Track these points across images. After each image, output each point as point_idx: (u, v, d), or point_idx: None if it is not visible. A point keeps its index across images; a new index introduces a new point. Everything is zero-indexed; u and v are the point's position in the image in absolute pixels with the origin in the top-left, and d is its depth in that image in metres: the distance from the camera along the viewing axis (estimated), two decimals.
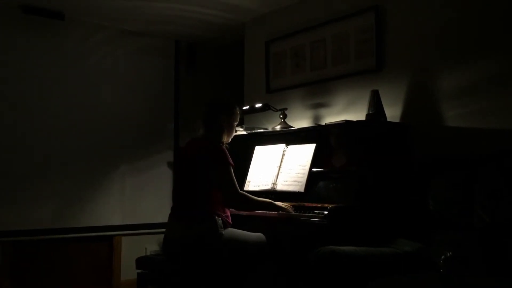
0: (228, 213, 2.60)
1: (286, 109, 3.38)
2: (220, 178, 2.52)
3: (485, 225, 2.15)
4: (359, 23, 3.17)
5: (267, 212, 2.66)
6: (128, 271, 4.01)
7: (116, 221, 4.11)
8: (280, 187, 2.88)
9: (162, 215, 3.78)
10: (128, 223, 4.17)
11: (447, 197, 2.33)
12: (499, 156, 2.31)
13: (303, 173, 2.78)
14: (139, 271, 2.69)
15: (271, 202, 2.63)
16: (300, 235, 2.62)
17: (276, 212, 2.63)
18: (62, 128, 3.89)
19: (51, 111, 3.85)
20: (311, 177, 2.76)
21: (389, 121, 2.81)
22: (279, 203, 2.64)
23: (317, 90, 3.46)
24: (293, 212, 2.58)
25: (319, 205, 2.55)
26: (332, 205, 2.43)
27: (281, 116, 3.35)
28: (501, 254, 2.05)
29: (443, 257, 2.07)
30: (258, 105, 3.43)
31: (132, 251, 4.04)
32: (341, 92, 3.30)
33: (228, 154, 2.56)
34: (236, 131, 2.86)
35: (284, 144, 3.03)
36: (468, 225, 2.21)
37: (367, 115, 2.77)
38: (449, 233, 2.25)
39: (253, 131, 3.40)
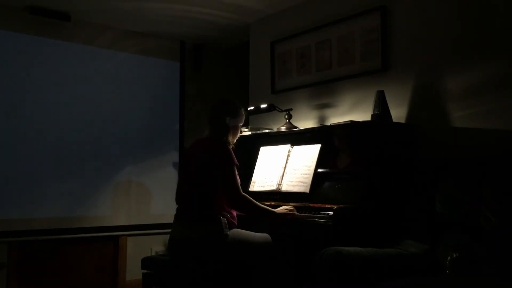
0: (234, 214, 2.60)
1: (291, 109, 3.37)
2: (224, 179, 2.51)
3: (492, 227, 2.14)
4: (364, 24, 3.17)
5: None
6: (133, 271, 4.03)
7: (122, 221, 4.12)
8: (285, 187, 2.88)
9: (167, 215, 3.79)
10: (133, 223, 4.18)
11: (454, 199, 2.31)
12: (506, 158, 2.29)
13: (308, 174, 2.78)
14: (144, 271, 2.69)
15: (272, 211, 2.58)
16: (306, 235, 2.61)
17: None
18: (67, 129, 3.91)
19: (56, 112, 3.87)
20: (317, 178, 2.76)
21: (394, 122, 2.80)
22: (280, 210, 2.61)
23: (323, 91, 3.45)
24: (298, 216, 2.57)
25: (325, 205, 2.55)
26: (338, 206, 2.42)
27: (286, 117, 3.34)
28: (508, 256, 2.03)
29: (449, 258, 2.06)
30: (263, 106, 3.43)
31: (137, 251, 4.05)
32: (347, 92, 3.29)
33: (233, 155, 2.56)
34: (241, 131, 2.86)
35: (289, 145, 3.03)
36: (475, 227, 2.20)
37: (372, 116, 2.76)
38: (455, 235, 2.23)
39: (258, 132, 3.40)
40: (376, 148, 2.61)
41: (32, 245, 3.72)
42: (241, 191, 2.54)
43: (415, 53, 2.91)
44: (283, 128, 3.28)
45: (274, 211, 2.60)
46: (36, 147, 3.76)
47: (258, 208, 2.57)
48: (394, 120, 2.79)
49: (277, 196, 2.85)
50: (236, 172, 2.54)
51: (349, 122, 2.75)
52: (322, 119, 3.43)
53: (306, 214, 2.56)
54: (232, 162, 2.53)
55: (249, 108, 3.55)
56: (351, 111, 3.23)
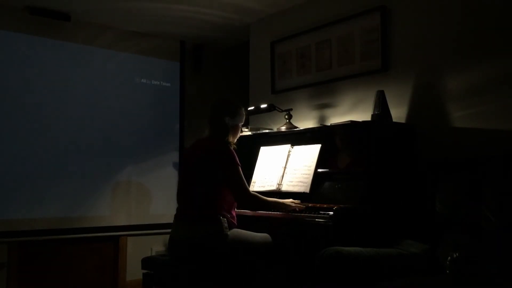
0: (234, 214, 2.60)
1: (291, 109, 3.37)
2: (230, 179, 2.52)
3: (492, 227, 2.14)
4: (364, 24, 3.17)
5: (273, 212, 2.66)
6: (133, 271, 4.03)
7: (122, 221, 4.12)
8: (285, 187, 2.88)
9: (167, 215, 3.80)
10: (133, 223, 4.18)
11: (454, 198, 2.31)
12: (506, 158, 2.29)
13: (309, 174, 2.78)
14: (144, 271, 2.69)
15: (281, 202, 2.64)
16: (306, 235, 2.61)
17: (281, 213, 2.63)
18: (66, 129, 3.90)
19: (56, 112, 3.87)
20: (317, 178, 2.76)
21: (394, 122, 2.80)
22: (288, 201, 2.65)
23: (323, 91, 3.45)
24: (303, 207, 2.60)
25: (325, 205, 2.55)
26: (338, 206, 2.42)
27: (286, 117, 3.34)
28: (508, 256, 2.03)
29: (449, 258, 2.06)
30: (263, 106, 3.43)
31: (137, 251, 4.05)
32: (347, 92, 3.29)
33: (236, 155, 2.56)
34: (242, 131, 2.86)
35: (290, 145, 3.03)
36: (475, 226, 2.20)
37: (372, 116, 2.76)
38: (455, 235, 2.24)
39: (258, 132, 3.40)
40: (376, 148, 2.61)
41: (32, 245, 3.72)
42: (250, 191, 2.57)
43: (415, 53, 2.91)
44: (283, 128, 3.28)
45: (283, 202, 2.64)
46: (36, 147, 3.76)
47: (268, 203, 2.63)
48: (394, 120, 2.79)
49: (277, 196, 2.85)
50: (241, 172, 2.54)
51: (349, 122, 2.75)
52: (322, 119, 3.43)
53: (306, 214, 2.56)
54: (236, 162, 2.53)
55: (249, 108, 3.55)
56: (351, 111, 3.23)
